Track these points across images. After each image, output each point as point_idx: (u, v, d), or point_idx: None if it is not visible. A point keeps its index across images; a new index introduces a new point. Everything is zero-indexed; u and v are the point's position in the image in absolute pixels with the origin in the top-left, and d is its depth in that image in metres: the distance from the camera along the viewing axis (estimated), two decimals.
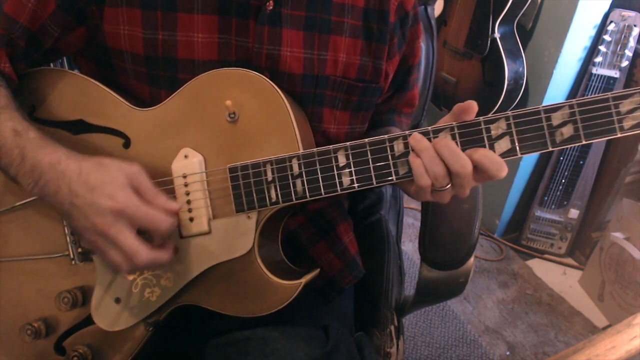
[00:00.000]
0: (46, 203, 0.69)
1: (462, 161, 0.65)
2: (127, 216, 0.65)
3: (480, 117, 0.66)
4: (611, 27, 1.88)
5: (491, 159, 0.64)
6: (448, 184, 0.67)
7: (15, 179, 0.69)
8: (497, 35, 1.96)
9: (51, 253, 0.80)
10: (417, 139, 0.68)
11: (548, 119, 0.64)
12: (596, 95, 0.62)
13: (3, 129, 0.69)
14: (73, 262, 0.79)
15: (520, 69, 2.01)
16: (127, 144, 0.78)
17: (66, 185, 0.66)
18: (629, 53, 1.90)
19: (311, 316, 0.89)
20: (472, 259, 0.97)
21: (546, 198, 2.26)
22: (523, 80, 2.03)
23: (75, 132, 0.79)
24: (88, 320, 0.79)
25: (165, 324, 0.80)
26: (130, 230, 0.66)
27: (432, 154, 0.66)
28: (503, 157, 0.65)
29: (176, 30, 0.77)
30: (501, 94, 1.99)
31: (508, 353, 1.91)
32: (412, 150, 0.68)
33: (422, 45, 0.96)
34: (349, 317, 1.02)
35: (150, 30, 0.77)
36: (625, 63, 1.93)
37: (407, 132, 0.69)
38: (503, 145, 0.66)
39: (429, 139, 0.67)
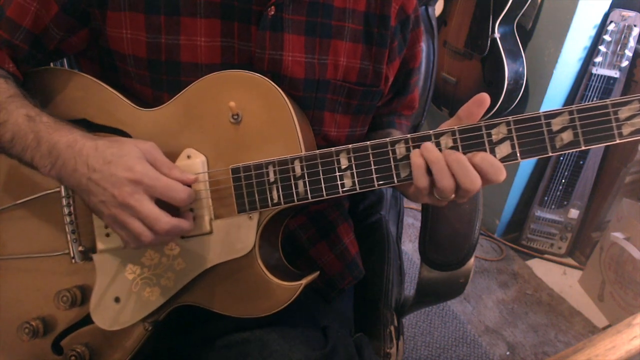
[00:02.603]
0: (64, 184, 0.71)
1: (472, 177, 0.64)
2: (146, 185, 0.66)
3: (482, 122, 0.66)
4: (611, 27, 1.88)
5: (490, 162, 0.64)
6: (452, 197, 0.67)
7: (31, 164, 0.70)
8: (497, 35, 1.96)
9: (51, 251, 0.80)
10: (429, 149, 0.67)
11: (548, 124, 0.64)
12: (595, 101, 0.62)
13: (16, 115, 0.70)
14: (73, 261, 0.78)
15: (520, 69, 2.01)
16: None
17: (83, 162, 0.67)
18: (629, 53, 1.90)
19: (311, 317, 0.89)
20: (472, 260, 0.97)
21: (546, 198, 2.26)
22: (523, 80, 2.03)
23: None
24: (86, 320, 0.79)
25: (164, 324, 0.80)
26: (149, 198, 0.67)
27: (442, 165, 0.65)
28: (504, 162, 0.66)
29: (179, 34, 0.77)
30: (501, 94, 1.99)
31: (508, 353, 1.91)
32: (425, 159, 0.67)
33: (423, 46, 0.95)
34: (348, 317, 1.02)
35: (154, 34, 0.77)
36: (625, 63, 1.93)
37: (409, 135, 0.69)
38: (504, 149, 0.66)
39: (432, 143, 0.67)
